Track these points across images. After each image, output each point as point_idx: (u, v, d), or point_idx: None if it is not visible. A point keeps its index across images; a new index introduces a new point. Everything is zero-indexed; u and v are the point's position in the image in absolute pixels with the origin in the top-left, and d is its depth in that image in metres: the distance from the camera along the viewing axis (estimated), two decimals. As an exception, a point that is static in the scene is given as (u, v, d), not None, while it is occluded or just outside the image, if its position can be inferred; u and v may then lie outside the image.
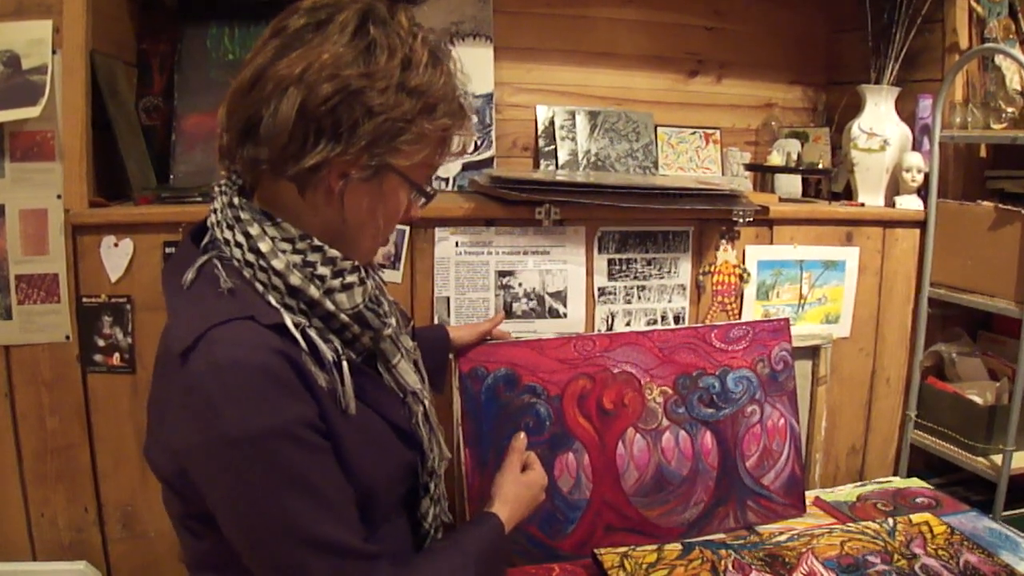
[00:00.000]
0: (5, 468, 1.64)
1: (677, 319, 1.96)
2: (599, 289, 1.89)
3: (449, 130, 0.93)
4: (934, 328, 2.16)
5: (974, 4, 2.06)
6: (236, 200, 0.90)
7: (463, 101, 0.95)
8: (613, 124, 2.21)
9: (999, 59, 2.03)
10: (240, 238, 0.89)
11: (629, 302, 1.92)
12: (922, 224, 2.10)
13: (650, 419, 1.67)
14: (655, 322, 1.94)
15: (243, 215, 0.89)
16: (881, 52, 2.11)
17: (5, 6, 1.55)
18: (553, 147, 2.17)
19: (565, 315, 1.87)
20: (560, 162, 2.17)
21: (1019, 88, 2.00)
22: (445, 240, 1.77)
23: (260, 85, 0.87)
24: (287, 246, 0.89)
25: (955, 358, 2.15)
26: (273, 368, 0.82)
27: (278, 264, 0.88)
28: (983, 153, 2.18)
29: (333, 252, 0.91)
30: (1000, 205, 1.94)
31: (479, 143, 2.11)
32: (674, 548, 1.57)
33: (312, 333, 0.88)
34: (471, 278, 1.80)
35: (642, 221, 1.88)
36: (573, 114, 2.19)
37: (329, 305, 0.90)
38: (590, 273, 1.88)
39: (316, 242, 0.90)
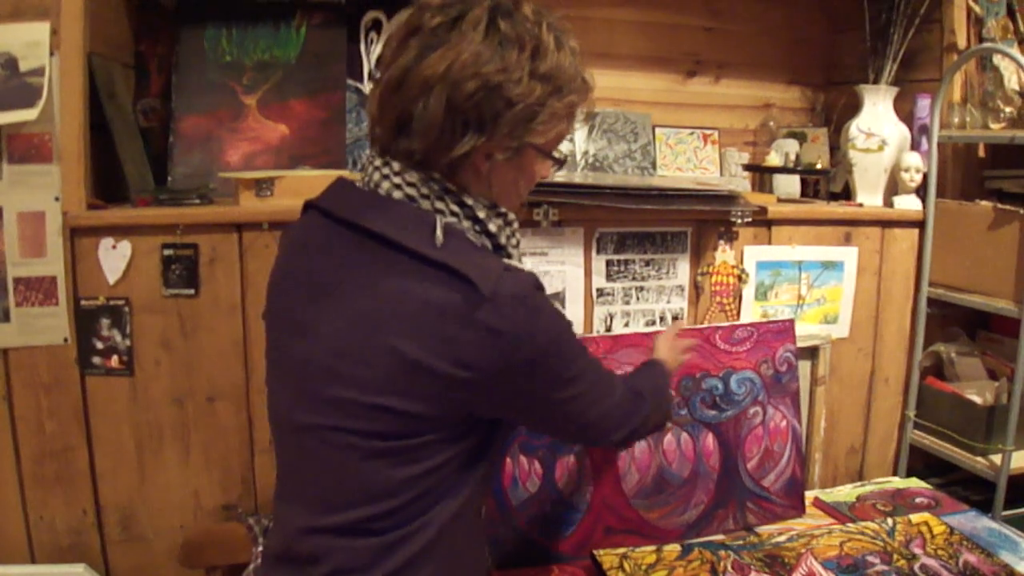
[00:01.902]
0: (3, 471, 1.63)
1: (675, 320, 1.96)
2: (597, 290, 1.89)
3: (575, 105, 1.04)
4: (933, 328, 2.16)
5: (972, 4, 2.06)
6: (436, 175, 0.99)
7: (586, 76, 1.04)
8: (611, 125, 2.21)
9: (997, 59, 2.03)
10: (455, 208, 1.00)
11: (628, 303, 1.92)
12: (921, 224, 2.10)
13: (650, 420, 1.66)
14: (654, 323, 1.94)
15: (449, 186, 1.00)
16: (879, 52, 2.11)
17: (2, 8, 1.55)
18: (551, 148, 2.17)
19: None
20: (558, 163, 2.16)
21: (1017, 88, 2.00)
22: (444, 241, 1.77)
23: (407, 84, 0.96)
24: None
25: (954, 358, 2.15)
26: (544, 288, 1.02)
27: (492, 227, 1.02)
28: (981, 153, 2.19)
29: (511, 216, 1.05)
30: (999, 205, 1.94)
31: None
32: (673, 549, 1.57)
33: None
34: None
35: (640, 222, 1.88)
36: (571, 115, 2.19)
37: (514, 261, 1.04)
38: (588, 274, 1.88)
39: (502, 209, 1.04)
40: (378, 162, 1.02)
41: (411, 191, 0.99)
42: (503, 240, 1.04)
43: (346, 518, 0.99)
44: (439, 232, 0.96)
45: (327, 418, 0.98)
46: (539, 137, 1.01)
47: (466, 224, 1.01)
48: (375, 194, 1.01)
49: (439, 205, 0.99)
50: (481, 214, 1.01)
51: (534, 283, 0.99)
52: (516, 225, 1.07)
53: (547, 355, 0.99)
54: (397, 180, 0.99)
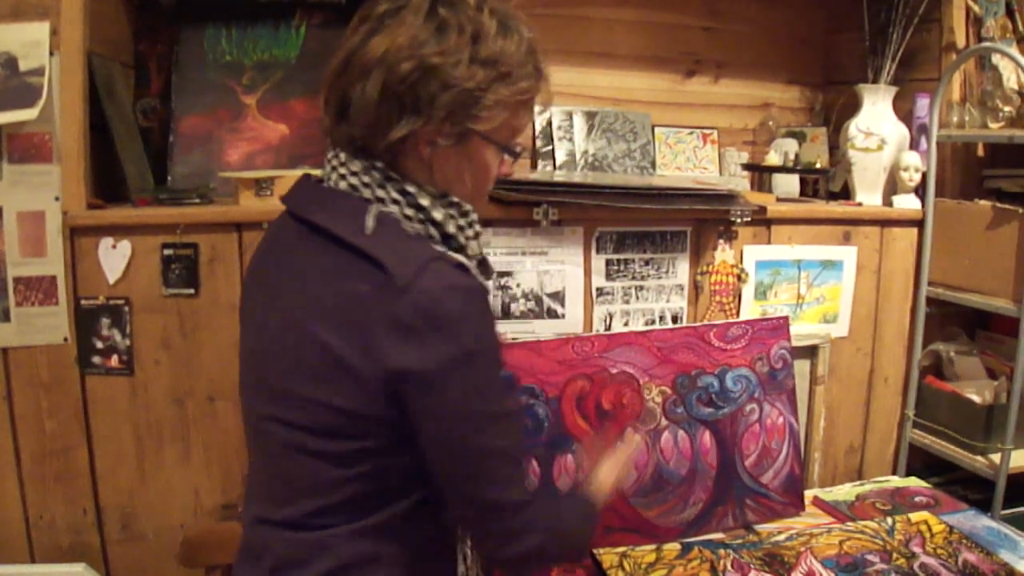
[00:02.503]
0: (3, 470, 1.64)
1: (675, 319, 1.96)
2: (597, 289, 1.89)
3: (526, 93, 1.01)
4: (932, 327, 2.16)
5: (971, 3, 2.06)
6: (379, 164, 0.98)
7: (538, 64, 1.02)
8: (611, 124, 2.21)
9: (996, 58, 2.03)
10: (396, 195, 0.98)
11: (627, 302, 1.92)
12: (920, 223, 2.11)
13: (649, 419, 1.67)
14: (653, 322, 1.94)
15: (392, 174, 0.98)
16: (878, 51, 2.11)
17: (2, 8, 1.55)
18: (551, 148, 2.17)
19: (563, 316, 1.87)
20: (558, 163, 2.17)
21: (1016, 87, 2.01)
22: (443, 241, 1.77)
23: (349, 68, 0.96)
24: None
25: (953, 357, 2.15)
26: (487, 297, 0.97)
27: (438, 215, 0.99)
28: (980, 152, 2.19)
29: (467, 206, 1.02)
30: (997, 204, 1.94)
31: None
32: (673, 548, 1.57)
33: (477, 272, 1.00)
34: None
35: (640, 221, 1.88)
36: (570, 115, 2.19)
37: (470, 251, 1.02)
38: (588, 273, 1.88)
39: (454, 198, 1.01)
40: (329, 154, 1.02)
41: (354, 180, 0.98)
42: (452, 229, 1.00)
43: (289, 512, 0.99)
44: (369, 220, 0.94)
45: (271, 409, 1.00)
46: (483, 124, 0.98)
47: (409, 212, 0.98)
48: (325, 187, 1.02)
49: (380, 193, 0.98)
50: (424, 201, 0.98)
51: (469, 284, 0.94)
52: (474, 216, 1.04)
53: (459, 370, 0.92)
54: (343, 171, 0.99)
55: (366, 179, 0.98)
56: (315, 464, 0.97)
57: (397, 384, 0.91)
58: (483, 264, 1.07)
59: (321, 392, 0.94)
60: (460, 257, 0.98)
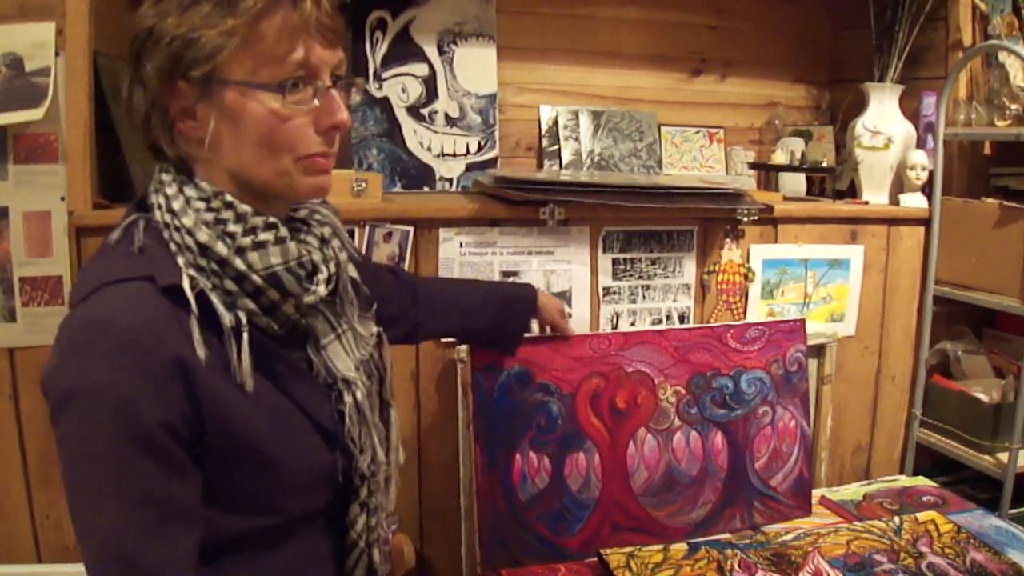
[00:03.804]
0: (10, 471, 1.63)
1: (682, 318, 1.96)
2: (604, 289, 1.89)
3: (254, 8, 0.82)
4: (939, 326, 2.16)
5: (978, 1, 2.06)
6: (162, 167, 0.90)
7: None
8: (617, 124, 2.21)
9: (1003, 56, 2.03)
10: (161, 200, 0.87)
11: (634, 302, 1.92)
12: (927, 222, 2.10)
13: (662, 419, 1.66)
14: (660, 321, 1.94)
15: (164, 177, 0.89)
16: (885, 50, 2.11)
17: (7, 8, 1.55)
18: (557, 147, 2.17)
19: (570, 315, 1.86)
20: (564, 162, 2.16)
21: (1023, 84, 2.00)
22: (449, 241, 1.77)
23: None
24: (201, 204, 0.86)
25: (960, 356, 2.15)
26: (138, 335, 0.77)
27: (187, 221, 0.85)
28: (987, 150, 2.18)
29: (244, 208, 0.86)
30: (1004, 202, 1.94)
31: (483, 143, 2.10)
32: (680, 548, 1.56)
33: (214, 297, 0.84)
34: (475, 278, 1.79)
35: (646, 220, 1.88)
36: (577, 114, 2.19)
37: (240, 264, 0.85)
38: (595, 273, 1.87)
39: (228, 198, 0.86)
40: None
41: (150, 186, 0.91)
42: (203, 238, 0.84)
43: None
44: (116, 232, 0.88)
45: None
46: (218, 67, 0.82)
47: (167, 218, 0.86)
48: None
49: (152, 198, 0.89)
50: (176, 205, 0.86)
51: (112, 318, 0.78)
52: (255, 221, 0.87)
53: (62, 412, 0.77)
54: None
55: (151, 186, 0.90)
56: None
57: None
58: (275, 281, 0.87)
59: None
60: (184, 278, 0.82)
